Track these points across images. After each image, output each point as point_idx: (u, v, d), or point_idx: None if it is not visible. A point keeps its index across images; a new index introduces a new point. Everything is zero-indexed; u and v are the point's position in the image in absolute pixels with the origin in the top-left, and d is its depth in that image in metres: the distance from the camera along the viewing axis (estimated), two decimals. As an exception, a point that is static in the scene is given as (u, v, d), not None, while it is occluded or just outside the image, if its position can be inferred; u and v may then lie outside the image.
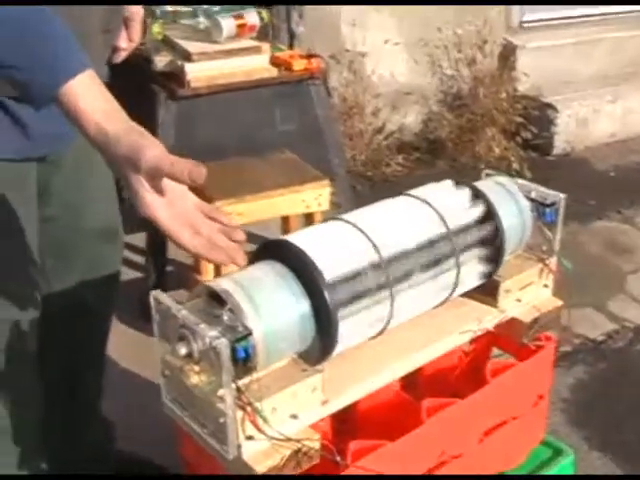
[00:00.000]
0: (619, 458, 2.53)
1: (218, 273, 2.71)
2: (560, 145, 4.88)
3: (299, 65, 3.17)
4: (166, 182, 1.25)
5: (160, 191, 1.25)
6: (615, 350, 3.07)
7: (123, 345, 2.80)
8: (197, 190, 2.69)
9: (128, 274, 3.37)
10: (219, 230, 1.32)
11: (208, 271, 2.76)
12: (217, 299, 1.26)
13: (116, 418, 2.25)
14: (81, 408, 2.11)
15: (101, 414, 2.18)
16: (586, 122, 4.93)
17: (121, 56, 1.88)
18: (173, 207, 1.28)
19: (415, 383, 1.66)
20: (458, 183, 1.57)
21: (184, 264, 3.20)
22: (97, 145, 1.27)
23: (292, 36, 4.01)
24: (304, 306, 1.28)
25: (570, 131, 4.88)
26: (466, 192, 1.54)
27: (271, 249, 1.35)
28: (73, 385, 2.06)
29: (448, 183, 1.57)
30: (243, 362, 1.21)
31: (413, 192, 1.52)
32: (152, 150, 1.23)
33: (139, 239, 3.26)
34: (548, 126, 4.82)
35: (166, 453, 1.78)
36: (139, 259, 3.42)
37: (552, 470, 1.75)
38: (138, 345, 2.82)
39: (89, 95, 1.27)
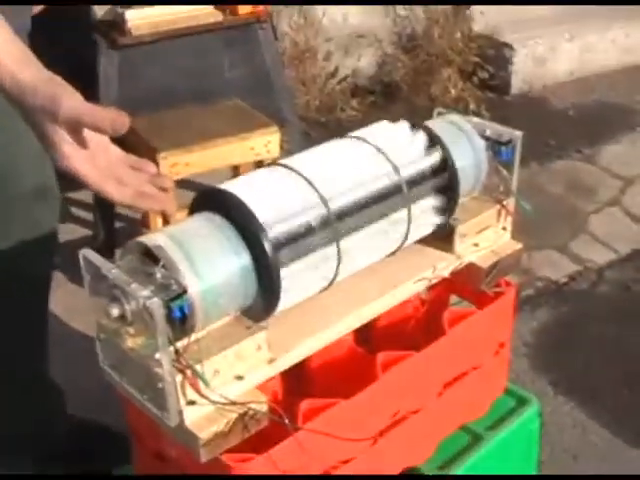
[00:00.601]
0: (585, 402, 2.49)
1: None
2: (518, 84, 4.80)
3: (245, 8, 3.05)
4: (86, 133, 1.17)
5: (82, 143, 1.18)
6: (578, 292, 3.03)
7: (72, 306, 2.72)
8: (141, 141, 2.61)
9: (77, 232, 3.29)
10: (146, 180, 1.25)
11: (157, 225, 2.67)
12: (151, 256, 1.17)
13: (67, 381, 2.16)
14: (26, 378, 2.02)
15: (49, 380, 2.10)
16: (544, 61, 4.85)
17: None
18: (95, 159, 1.21)
19: (369, 336, 1.59)
20: (408, 123, 1.47)
21: (133, 219, 3.11)
22: (12, 96, 1.19)
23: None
24: (244, 259, 1.19)
25: (528, 70, 4.80)
26: (417, 132, 1.45)
27: (209, 199, 1.25)
28: (16, 355, 1.96)
29: (398, 123, 1.48)
30: (180, 322, 1.13)
31: (359, 133, 1.42)
32: (70, 99, 1.16)
33: (87, 195, 3.16)
34: (505, 65, 4.74)
35: (119, 416, 1.70)
36: (87, 216, 3.32)
37: (517, 420, 1.69)
38: (88, 305, 2.73)
39: (2, 45, 1.20)
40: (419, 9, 4.65)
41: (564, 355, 2.69)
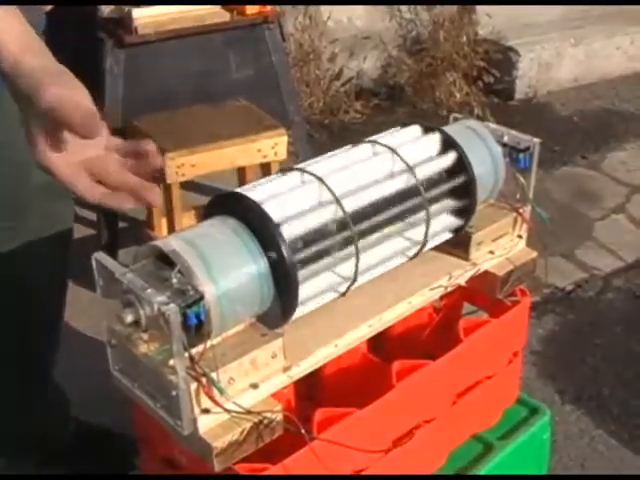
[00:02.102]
0: (592, 411, 2.48)
1: (172, 228, 2.60)
2: (523, 90, 4.79)
3: (252, 8, 3.02)
4: None
5: (58, 143, 1.11)
6: (585, 299, 3.02)
7: (75, 307, 2.68)
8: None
9: (79, 231, 3.25)
10: (130, 169, 1.16)
11: (161, 226, 2.64)
12: (166, 260, 1.14)
13: (72, 383, 2.15)
14: (34, 377, 2.00)
15: (54, 380, 2.07)
16: (549, 66, 4.84)
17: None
18: (72, 155, 1.14)
19: (383, 344, 1.56)
20: (425, 128, 1.45)
21: (137, 219, 3.08)
22: (11, 81, 1.14)
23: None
24: (261, 264, 1.16)
25: (533, 75, 4.79)
26: (433, 137, 1.43)
27: (223, 203, 1.23)
28: (27, 353, 1.94)
29: (414, 128, 1.46)
30: (195, 329, 1.10)
31: (376, 138, 1.40)
32: (53, 89, 1.08)
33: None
34: (510, 70, 4.73)
35: (123, 420, 1.67)
36: (90, 215, 3.29)
37: (529, 430, 1.67)
38: (91, 306, 2.70)
39: (9, 29, 1.15)
40: (425, 12, 4.63)
41: (571, 363, 2.67)
